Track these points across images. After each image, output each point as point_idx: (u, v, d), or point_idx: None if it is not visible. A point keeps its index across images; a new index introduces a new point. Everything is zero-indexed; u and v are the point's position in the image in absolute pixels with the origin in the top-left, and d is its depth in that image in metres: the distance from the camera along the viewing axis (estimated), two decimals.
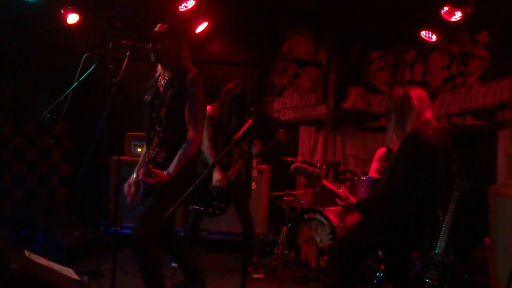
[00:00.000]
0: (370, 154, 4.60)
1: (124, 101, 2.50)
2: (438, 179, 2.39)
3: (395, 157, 2.46)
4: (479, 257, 3.76)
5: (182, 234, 4.29)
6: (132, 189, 2.66)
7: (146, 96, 2.76)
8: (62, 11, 4.33)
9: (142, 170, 2.49)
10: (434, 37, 4.48)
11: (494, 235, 3.54)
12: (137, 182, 2.65)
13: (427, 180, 2.36)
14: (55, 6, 4.34)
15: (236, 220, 4.01)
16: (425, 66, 4.70)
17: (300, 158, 4.40)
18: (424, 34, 4.49)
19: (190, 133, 2.56)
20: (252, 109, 1.90)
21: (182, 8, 4.54)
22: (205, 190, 3.57)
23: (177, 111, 2.57)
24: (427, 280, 3.29)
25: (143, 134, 4.41)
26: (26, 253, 2.56)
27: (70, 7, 4.34)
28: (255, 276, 3.76)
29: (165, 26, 2.65)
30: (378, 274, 3.49)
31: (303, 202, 4.38)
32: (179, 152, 2.50)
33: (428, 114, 2.45)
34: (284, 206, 4.26)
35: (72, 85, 2.96)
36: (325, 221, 3.84)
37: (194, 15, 4.61)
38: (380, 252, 3.43)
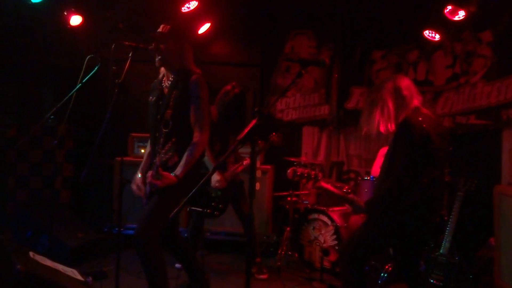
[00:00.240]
0: (373, 154, 4.59)
1: (127, 102, 2.50)
2: (438, 164, 2.39)
3: (390, 150, 2.46)
4: (484, 257, 3.75)
5: (185, 235, 4.29)
6: (142, 189, 2.67)
7: (150, 97, 2.76)
8: (65, 13, 4.34)
9: (150, 173, 2.52)
10: (437, 36, 4.46)
11: (499, 235, 3.52)
12: (143, 182, 2.67)
13: (427, 166, 2.36)
14: (58, 8, 4.35)
15: (239, 220, 4.01)
16: (428, 66, 4.69)
17: (303, 158, 4.40)
18: (427, 33, 4.48)
19: (196, 135, 2.57)
20: (256, 110, 1.90)
21: (184, 9, 4.55)
22: (203, 191, 3.58)
23: (182, 113, 2.58)
24: (432, 281, 3.28)
25: (147, 135, 4.48)
26: (31, 254, 2.57)
27: (73, 9, 4.35)
28: (259, 276, 3.75)
29: (168, 27, 2.66)
30: (382, 274, 3.47)
31: (307, 202, 4.38)
32: (185, 154, 2.52)
33: (416, 101, 2.49)
34: (287, 207, 4.25)
35: (76, 87, 2.98)
36: (329, 222, 3.83)
37: (197, 16, 4.62)
38: (390, 250, 3.41)
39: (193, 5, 4.54)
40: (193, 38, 4.44)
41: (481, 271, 3.68)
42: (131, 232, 4.19)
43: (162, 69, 2.78)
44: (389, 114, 2.46)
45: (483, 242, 3.84)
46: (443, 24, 4.34)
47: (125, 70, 2.53)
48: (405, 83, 2.51)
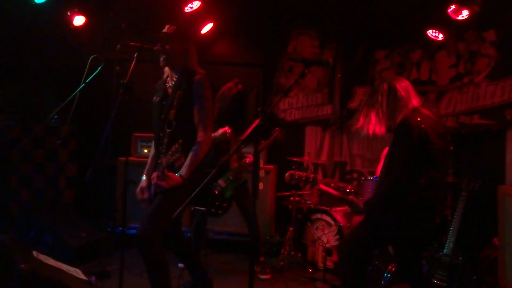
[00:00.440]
0: (376, 154, 4.58)
1: (131, 102, 2.51)
2: (437, 164, 2.38)
3: (390, 150, 2.46)
4: (488, 258, 3.73)
5: (188, 234, 4.30)
6: (145, 194, 2.68)
7: (155, 98, 2.77)
8: (69, 13, 4.36)
9: (156, 174, 2.52)
10: (440, 36, 4.45)
11: (503, 235, 3.50)
12: (149, 185, 2.68)
13: (425, 166, 2.36)
14: (61, 8, 4.37)
15: (243, 220, 4.01)
16: (431, 65, 4.67)
17: (306, 158, 4.40)
18: (430, 33, 4.47)
19: (200, 135, 2.57)
20: (259, 109, 1.90)
21: (187, 9, 4.55)
22: (206, 190, 3.58)
23: (186, 113, 2.59)
24: (435, 281, 3.27)
25: (150, 135, 4.49)
26: (35, 253, 2.58)
27: (76, 9, 4.37)
28: (262, 276, 3.75)
29: (173, 27, 2.67)
30: (385, 275, 3.46)
31: (310, 202, 4.37)
32: (190, 154, 2.52)
33: (415, 102, 2.49)
34: (290, 207, 4.25)
35: (79, 87, 2.98)
36: (332, 222, 3.82)
37: (200, 16, 4.63)
38: (390, 250, 3.40)
39: (196, 5, 4.54)
40: (196, 38, 4.44)
41: (485, 272, 3.66)
42: (134, 231, 4.22)
43: (166, 69, 2.78)
44: (382, 116, 2.47)
45: (487, 242, 3.82)
46: (446, 24, 4.33)
47: (130, 70, 2.54)
48: (402, 84, 2.51)
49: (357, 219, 3.77)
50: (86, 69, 2.97)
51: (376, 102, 2.50)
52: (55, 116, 3.15)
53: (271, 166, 4.59)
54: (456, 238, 3.25)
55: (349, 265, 2.48)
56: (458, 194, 3.43)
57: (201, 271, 2.97)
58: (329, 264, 3.72)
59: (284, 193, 4.41)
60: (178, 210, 1.89)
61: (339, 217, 3.80)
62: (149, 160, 2.84)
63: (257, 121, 1.89)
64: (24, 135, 4.63)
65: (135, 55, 2.57)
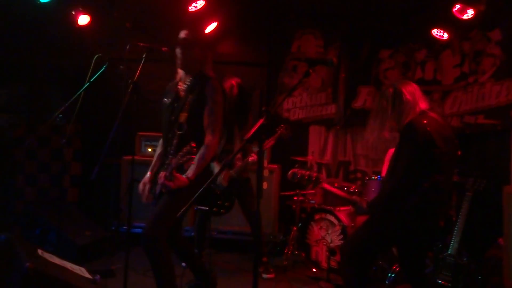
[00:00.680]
0: (380, 154, 4.57)
1: (139, 101, 2.52)
2: (442, 168, 2.37)
3: (395, 152, 2.46)
4: (493, 258, 3.71)
5: (192, 233, 4.31)
6: (147, 187, 2.70)
7: (165, 99, 2.81)
8: (73, 12, 4.37)
9: (163, 174, 2.55)
10: (445, 35, 4.43)
11: (508, 235, 3.48)
12: (151, 181, 2.70)
13: (429, 170, 2.35)
14: (66, 7, 4.38)
15: (246, 220, 4.01)
16: (436, 65, 4.65)
17: (310, 157, 4.39)
18: (435, 32, 4.45)
19: (208, 138, 2.62)
20: (263, 109, 1.90)
21: (191, 8, 4.56)
22: (208, 189, 3.58)
23: (197, 116, 2.64)
24: (439, 281, 3.25)
25: (154, 134, 4.52)
26: (39, 252, 2.60)
27: (81, 9, 4.38)
28: (266, 276, 3.75)
29: (194, 34, 2.72)
30: (389, 275, 3.46)
31: (314, 202, 4.37)
32: (197, 157, 2.56)
33: (422, 105, 2.48)
34: (294, 206, 4.25)
35: (83, 86, 2.99)
36: (335, 221, 3.82)
37: (204, 16, 4.63)
38: (394, 250, 3.40)
39: (200, 4, 4.55)
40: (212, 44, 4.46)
41: (489, 272, 3.64)
42: (138, 230, 4.22)
43: (180, 71, 2.82)
44: (389, 121, 2.47)
45: (492, 242, 3.80)
46: (451, 23, 4.31)
47: (138, 70, 2.55)
48: (409, 88, 2.50)
49: (361, 219, 3.76)
50: (91, 68, 2.98)
51: (382, 107, 2.49)
52: (60, 115, 3.16)
53: (275, 166, 4.59)
54: (461, 238, 3.24)
55: (352, 266, 2.48)
56: (463, 194, 3.42)
57: (204, 271, 2.97)
58: (333, 263, 3.72)
59: (288, 193, 4.41)
60: (182, 210, 1.90)
61: (343, 216, 3.79)
62: (154, 158, 2.86)
63: (261, 121, 1.89)
64: (29, 134, 4.66)
65: (144, 56, 2.58)
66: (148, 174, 2.77)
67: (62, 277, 2.45)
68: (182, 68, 2.75)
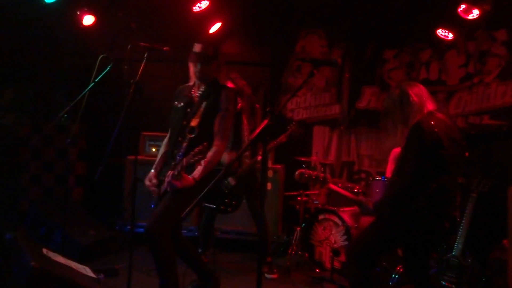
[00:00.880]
0: (384, 154, 4.55)
1: (142, 101, 2.53)
2: (449, 169, 2.36)
3: (402, 153, 2.45)
4: (497, 260, 3.69)
5: (196, 233, 4.31)
6: (154, 181, 2.74)
7: (176, 103, 2.85)
8: (78, 13, 4.39)
9: (171, 172, 2.59)
10: (450, 35, 4.41)
11: None
12: (156, 175, 2.75)
13: (436, 171, 2.34)
14: (71, 8, 4.40)
15: (251, 220, 4.02)
16: (441, 65, 4.63)
17: (314, 158, 4.39)
18: (440, 32, 4.43)
19: (217, 142, 2.70)
20: (267, 110, 1.91)
21: (196, 8, 4.57)
22: (216, 188, 3.59)
23: (209, 122, 2.71)
24: (443, 283, 3.24)
25: (158, 134, 4.53)
26: (44, 251, 2.61)
27: (85, 9, 4.40)
28: (269, 276, 3.75)
29: (210, 47, 2.74)
30: (393, 276, 3.45)
31: (317, 202, 4.36)
32: (205, 159, 2.59)
33: (430, 106, 2.47)
34: (298, 206, 4.24)
35: (88, 86, 3.01)
36: (339, 222, 3.81)
37: (208, 16, 4.64)
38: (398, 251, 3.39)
39: (204, 4, 4.55)
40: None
41: (494, 274, 3.62)
42: (142, 230, 4.23)
43: (192, 75, 2.85)
44: (397, 123, 2.46)
45: (496, 244, 3.78)
46: (456, 23, 4.29)
47: (140, 70, 2.56)
48: (415, 89, 2.49)
49: (365, 219, 3.75)
50: (95, 69, 2.99)
51: (390, 110, 2.49)
52: (65, 115, 3.18)
53: (279, 166, 4.59)
54: (465, 239, 3.22)
55: (357, 267, 2.47)
56: (468, 195, 3.40)
57: (207, 271, 2.98)
58: (337, 264, 3.71)
59: (292, 193, 4.41)
60: (188, 209, 1.91)
61: (346, 217, 3.78)
62: (158, 157, 2.89)
63: (265, 121, 1.89)
64: (35, 134, 4.68)
65: (145, 56, 2.59)
66: (152, 171, 2.80)
67: (67, 276, 2.47)
68: (199, 80, 2.81)
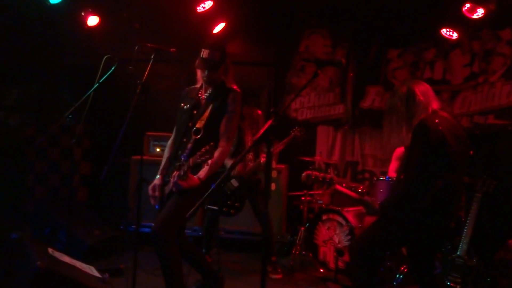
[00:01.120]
0: (388, 154, 4.53)
1: (148, 102, 2.54)
2: (454, 167, 2.36)
3: (407, 152, 2.44)
4: (502, 260, 3.68)
5: (200, 233, 4.32)
6: (157, 192, 2.75)
7: (183, 104, 2.86)
8: (83, 14, 4.41)
9: (176, 173, 2.60)
10: (455, 35, 4.39)
11: None
12: (161, 185, 2.76)
13: (442, 170, 2.33)
14: (75, 8, 4.42)
15: (254, 220, 4.02)
16: (445, 64, 4.62)
17: (318, 158, 4.38)
18: (444, 31, 4.41)
19: (223, 144, 2.70)
20: (271, 110, 1.91)
21: (200, 9, 4.57)
22: (219, 189, 3.60)
23: (215, 124, 2.72)
24: (448, 283, 3.23)
25: (162, 134, 4.54)
26: (50, 250, 2.63)
27: (90, 10, 4.41)
28: (273, 276, 3.75)
29: (218, 53, 2.73)
30: (397, 276, 3.44)
31: (321, 202, 4.36)
32: (211, 160, 2.59)
33: (435, 105, 2.47)
34: (302, 206, 4.24)
35: (93, 86, 3.02)
36: (343, 222, 3.81)
37: (212, 16, 4.64)
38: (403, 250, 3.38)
39: (208, 5, 4.56)
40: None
41: (499, 274, 3.61)
42: (146, 230, 4.25)
43: (199, 78, 2.87)
44: (402, 122, 2.45)
45: (501, 244, 3.77)
46: (461, 22, 4.27)
47: (147, 71, 2.57)
48: (421, 88, 2.49)
49: (369, 219, 3.75)
50: (100, 69, 3.01)
51: (395, 107, 2.48)
52: (70, 115, 3.19)
53: (283, 166, 4.59)
54: (470, 239, 3.21)
55: (361, 266, 2.47)
56: (472, 195, 3.39)
57: (210, 270, 2.99)
58: (341, 264, 3.71)
59: (296, 193, 4.41)
60: (192, 210, 1.92)
61: (350, 217, 3.78)
62: (163, 160, 2.89)
63: (269, 122, 1.89)
64: (40, 134, 4.71)
65: (152, 56, 2.60)
66: (158, 177, 2.81)
67: (72, 275, 2.48)
68: (207, 84, 2.82)
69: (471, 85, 4.44)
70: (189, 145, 2.68)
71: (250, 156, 3.77)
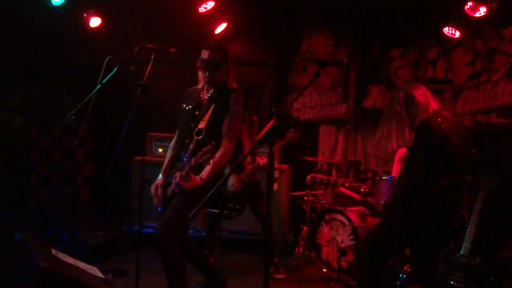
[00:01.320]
0: (391, 154, 4.51)
1: (149, 102, 2.55)
2: (457, 165, 2.35)
3: (410, 152, 2.44)
4: (506, 259, 3.66)
5: (202, 233, 4.33)
6: (159, 191, 2.74)
7: (184, 105, 2.87)
8: (85, 15, 4.42)
9: (179, 174, 2.60)
10: (457, 33, 4.38)
11: None
12: (163, 184, 2.75)
13: (445, 168, 2.33)
14: (78, 10, 4.44)
15: (257, 220, 4.02)
16: (448, 63, 4.60)
17: (320, 157, 4.38)
18: (447, 30, 4.40)
19: (225, 144, 2.70)
20: (273, 110, 1.91)
21: (201, 9, 4.58)
22: (220, 193, 3.60)
23: (218, 125, 2.72)
24: (452, 282, 3.22)
25: (164, 134, 4.55)
26: (53, 251, 2.63)
27: (92, 11, 4.43)
28: (276, 276, 3.75)
29: (219, 53, 2.73)
30: (400, 275, 3.43)
31: (324, 202, 4.36)
32: (213, 160, 2.61)
33: (434, 105, 2.48)
34: (304, 206, 4.24)
35: (95, 88, 3.03)
36: (346, 222, 3.80)
37: (214, 16, 4.65)
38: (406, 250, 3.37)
39: (210, 5, 4.56)
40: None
41: (503, 273, 3.59)
42: (149, 230, 4.26)
43: (201, 79, 2.87)
44: (403, 125, 2.45)
45: (505, 243, 3.75)
46: (463, 21, 4.26)
47: (147, 72, 2.58)
48: (419, 91, 2.50)
49: (372, 219, 3.74)
50: (103, 70, 3.01)
51: (394, 112, 2.48)
52: (73, 116, 3.20)
53: (285, 166, 4.58)
54: (474, 238, 3.20)
55: (366, 266, 2.46)
56: (476, 194, 3.38)
57: (213, 271, 2.99)
58: (344, 264, 3.71)
59: (298, 193, 4.40)
60: (194, 211, 1.92)
61: (353, 217, 3.77)
62: (166, 162, 2.90)
63: (271, 122, 1.89)
64: (43, 135, 4.73)
65: (152, 57, 2.61)
66: (160, 177, 2.81)
67: (75, 276, 2.49)
68: (208, 85, 2.83)
69: (474, 84, 4.43)
70: (192, 146, 2.68)
71: (248, 158, 3.77)
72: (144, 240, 2.87)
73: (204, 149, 2.48)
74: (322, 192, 4.52)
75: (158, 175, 2.84)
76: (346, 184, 4.03)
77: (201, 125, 2.70)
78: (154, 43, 2.71)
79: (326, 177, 2.56)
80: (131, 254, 3.85)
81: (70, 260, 2.67)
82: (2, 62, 4.79)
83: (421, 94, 2.48)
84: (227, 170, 3.29)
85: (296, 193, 4.48)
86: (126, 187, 4.59)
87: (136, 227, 4.14)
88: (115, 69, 2.99)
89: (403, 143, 2.46)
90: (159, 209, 2.78)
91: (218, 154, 2.63)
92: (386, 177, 3.79)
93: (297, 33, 5.07)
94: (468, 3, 4.05)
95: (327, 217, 3.95)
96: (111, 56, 3.02)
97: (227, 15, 4.71)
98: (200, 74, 2.83)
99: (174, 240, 2.59)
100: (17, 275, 2.55)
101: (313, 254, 4.02)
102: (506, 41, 4.25)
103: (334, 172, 4.63)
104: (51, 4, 4.21)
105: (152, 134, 4.68)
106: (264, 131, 1.90)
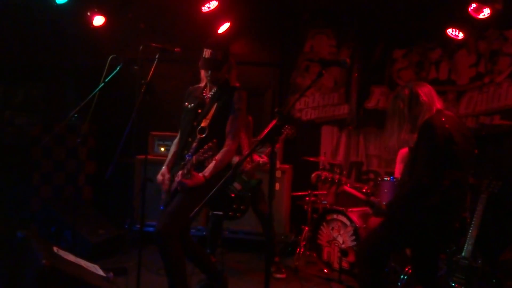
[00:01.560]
0: (393, 154, 4.52)
1: (153, 102, 2.55)
2: (460, 165, 2.35)
3: (413, 152, 2.44)
4: (508, 261, 3.65)
5: (204, 233, 4.33)
6: (166, 177, 2.77)
7: (187, 103, 2.88)
8: (89, 14, 4.43)
9: (181, 172, 2.61)
10: (460, 35, 4.36)
11: None
12: (169, 171, 2.78)
13: (448, 168, 2.32)
14: (81, 8, 4.45)
15: (258, 220, 4.02)
16: (451, 65, 4.59)
17: (322, 158, 4.37)
18: (450, 31, 4.39)
19: (228, 142, 2.71)
20: (276, 110, 1.91)
21: (205, 9, 4.58)
22: (223, 194, 3.59)
23: (220, 123, 2.74)
24: (453, 284, 3.21)
25: (167, 133, 4.56)
26: (55, 249, 2.64)
27: (96, 10, 4.44)
28: (277, 276, 3.75)
29: (221, 52, 2.74)
30: (402, 277, 3.43)
31: (325, 202, 4.35)
32: (216, 158, 2.61)
33: (438, 105, 2.47)
34: (306, 207, 4.24)
35: (98, 86, 3.04)
36: (347, 222, 3.80)
37: (217, 16, 4.65)
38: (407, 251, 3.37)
39: (213, 5, 4.57)
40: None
41: (504, 276, 3.58)
42: (151, 229, 4.26)
43: (204, 78, 2.88)
44: (405, 123, 2.45)
45: (507, 245, 3.74)
46: (467, 22, 4.25)
47: (151, 71, 2.59)
48: (424, 89, 2.49)
49: (374, 220, 3.73)
50: (105, 69, 3.02)
51: (398, 109, 2.48)
52: (75, 115, 3.21)
53: (287, 166, 4.58)
54: (475, 240, 3.19)
55: (367, 266, 2.46)
56: (478, 196, 3.37)
57: (214, 270, 2.99)
58: (345, 264, 3.70)
59: (300, 193, 4.40)
60: (195, 210, 1.92)
61: (355, 217, 3.77)
62: (169, 155, 2.92)
63: (274, 122, 1.89)
64: (45, 133, 4.74)
65: (157, 56, 2.61)
66: (164, 168, 2.83)
67: (77, 274, 2.50)
68: (211, 83, 2.83)
69: (477, 86, 4.42)
70: (194, 144, 2.69)
71: (247, 158, 3.76)
72: (145, 239, 2.87)
73: (206, 147, 2.48)
74: (325, 192, 4.52)
75: (163, 168, 2.86)
76: (348, 185, 4.04)
77: (204, 123, 2.71)
78: (157, 42, 2.71)
79: (331, 175, 2.56)
80: (133, 253, 3.86)
81: (71, 258, 2.68)
82: (5, 60, 4.80)
83: (426, 92, 2.47)
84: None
85: (297, 194, 4.48)
86: (128, 185, 4.60)
87: (138, 226, 4.15)
88: (118, 68, 3.00)
89: (404, 141, 2.46)
90: (161, 207, 2.79)
91: (221, 153, 2.64)
92: (388, 178, 3.79)
93: (300, 33, 5.07)
94: (472, 5, 4.04)
95: (328, 218, 3.94)
96: (114, 55, 3.03)
97: (230, 14, 4.72)
98: (203, 72, 2.84)
99: (174, 237, 2.59)
100: (19, 272, 2.56)
101: (314, 255, 4.02)
102: (510, 42, 4.24)
103: (337, 171, 4.63)
104: (55, 2, 4.23)
105: (154, 133, 4.69)
106: (266, 131, 1.90)
